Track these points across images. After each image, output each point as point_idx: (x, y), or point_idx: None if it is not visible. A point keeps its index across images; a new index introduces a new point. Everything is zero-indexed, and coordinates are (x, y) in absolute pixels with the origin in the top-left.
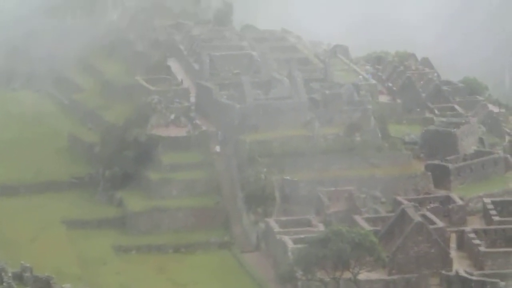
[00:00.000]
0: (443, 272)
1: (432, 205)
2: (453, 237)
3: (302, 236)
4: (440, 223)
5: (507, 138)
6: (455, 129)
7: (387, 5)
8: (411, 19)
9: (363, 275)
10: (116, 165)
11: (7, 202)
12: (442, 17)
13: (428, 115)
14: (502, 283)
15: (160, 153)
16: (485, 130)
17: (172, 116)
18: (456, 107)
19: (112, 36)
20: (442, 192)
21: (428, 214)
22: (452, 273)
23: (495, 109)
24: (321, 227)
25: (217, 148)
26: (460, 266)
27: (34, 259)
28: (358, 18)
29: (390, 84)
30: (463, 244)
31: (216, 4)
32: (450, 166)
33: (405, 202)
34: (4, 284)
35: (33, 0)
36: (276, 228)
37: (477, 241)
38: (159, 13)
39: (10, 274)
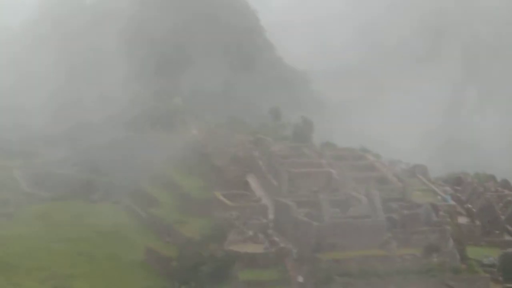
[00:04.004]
0: None
1: None
2: None
3: None
4: None
5: None
6: None
7: (467, 127)
8: (491, 142)
9: None
10: (193, 280)
11: None
12: None
13: (507, 237)
14: None
15: (237, 269)
16: None
17: (250, 233)
18: None
19: (191, 150)
20: None
21: None
22: None
23: None
24: None
25: (300, 279)
26: None
27: None
28: (438, 138)
29: (469, 206)
30: None
31: (296, 121)
32: None
33: None
34: None
35: (114, 113)
36: None
37: None
38: (238, 128)
39: None
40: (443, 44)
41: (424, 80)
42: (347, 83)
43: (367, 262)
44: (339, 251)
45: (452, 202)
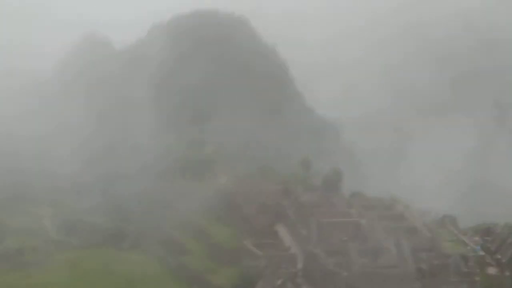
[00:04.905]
0: None
1: None
2: None
3: None
4: None
5: None
6: None
7: (496, 176)
8: None
9: None
10: None
11: None
12: None
13: None
14: None
15: None
16: None
17: (279, 282)
18: None
19: (220, 199)
20: None
21: None
22: None
23: None
24: None
25: None
26: None
27: None
28: (467, 187)
29: (499, 256)
30: None
31: (326, 170)
32: None
33: None
34: None
35: (145, 162)
36: None
37: None
38: (268, 177)
39: None
40: (472, 92)
41: (453, 128)
42: (376, 130)
43: None
44: None
45: (481, 253)
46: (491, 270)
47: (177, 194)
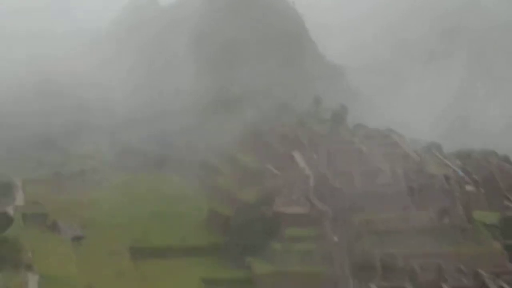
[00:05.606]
0: None
1: (507, 278)
2: None
3: None
4: None
5: None
6: None
7: (475, 112)
8: (494, 124)
9: None
10: (247, 236)
11: (158, 263)
12: None
13: (506, 203)
14: None
15: (283, 227)
16: None
17: (294, 197)
18: None
19: (247, 130)
20: None
21: (504, 285)
22: None
23: None
24: None
25: (335, 239)
26: None
27: None
28: (450, 121)
29: (475, 176)
30: None
31: (334, 105)
32: None
33: (485, 274)
34: None
35: (186, 103)
36: None
37: None
38: (286, 113)
39: None
40: (456, 43)
41: (441, 73)
42: (376, 75)
43: (390, 222)
44: (368, 213)
45: (461, 174)
46: (469, 188)
47: (212, 127)
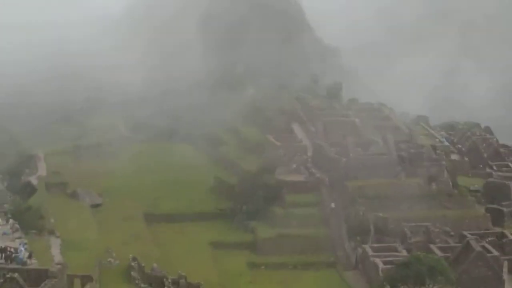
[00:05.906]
0: None
1: (490, 239)
2: (506, 264)
3: (390, 259)
4: (495, 253)
5: None
6: (509, 182)
7: (460, 87)
8: (477, 98)
9: None
10: (251, 201)
11: (168, 227)
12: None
13: (488, 170)
14: None
15: (284, 193)
16: None
17: (294, 166)
18: (510, 164)
19: (249, 105)
20: (497, 229)
21: (487, 245)
22: None
23: None
24: (405, 253)
25: (332, 205)
26: (510, 287)
27: (187, 270)
28: (437, 95)
29: (459, 146)
30: None
31: (329, 82)
32: (505, 209)
33: (469, 236)
34: (165, 287)
35: (193, 81)
36: (370, 252)
37: None
38: (285, 89)
39: (169, 280)
40: (444, 25)
41: (429, 53)
42: (370, 56)
43: (382, 188)
44: (361, 180)
45: (447, 144)
46: (454, 157)
47: (217, 103)
